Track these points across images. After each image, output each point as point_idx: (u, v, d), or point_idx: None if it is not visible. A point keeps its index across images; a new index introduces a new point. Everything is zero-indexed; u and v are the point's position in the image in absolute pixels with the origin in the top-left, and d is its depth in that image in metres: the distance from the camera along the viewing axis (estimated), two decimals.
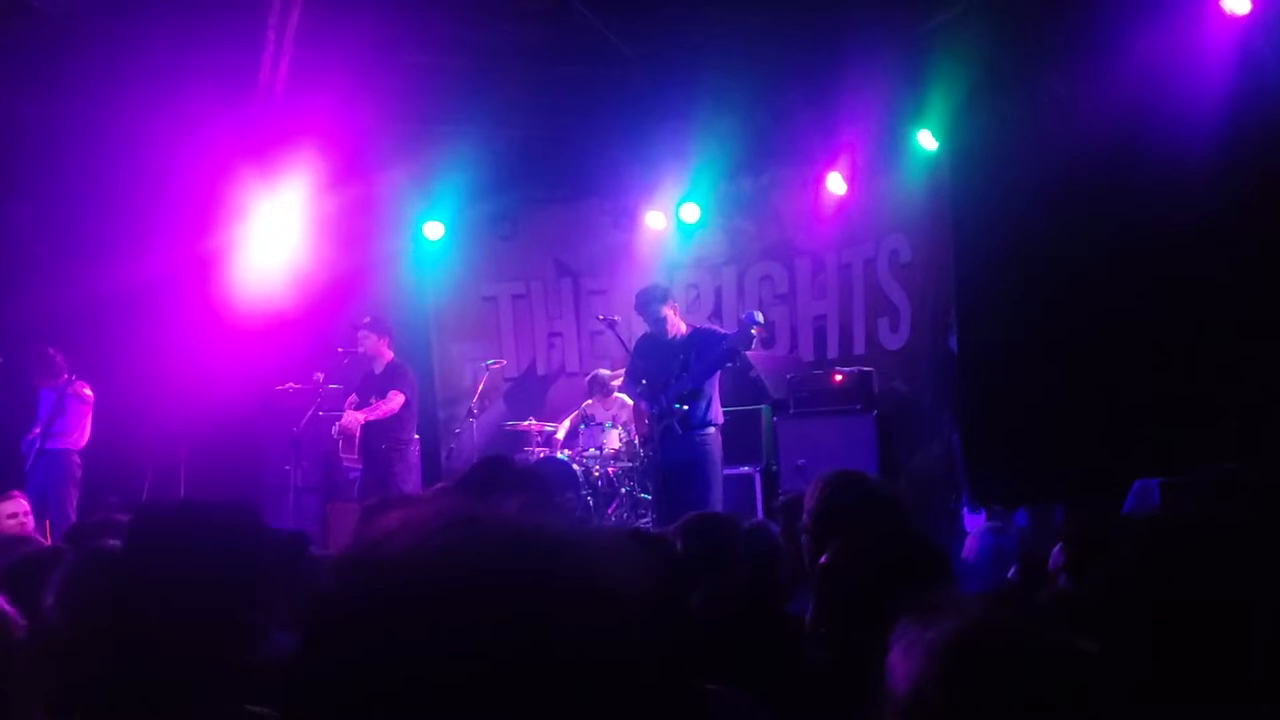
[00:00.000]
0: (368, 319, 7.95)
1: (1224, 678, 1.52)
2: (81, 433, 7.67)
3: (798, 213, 9.13)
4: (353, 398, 7.90)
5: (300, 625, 0.78)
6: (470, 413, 8.82)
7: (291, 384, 8.11)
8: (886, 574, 2.02)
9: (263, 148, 8.24)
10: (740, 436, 7.82)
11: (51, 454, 7.52)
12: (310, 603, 0.78)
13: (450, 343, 10.01)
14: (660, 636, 0.77)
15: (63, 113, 7.48)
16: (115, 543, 2.37)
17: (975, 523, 6.88)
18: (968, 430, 7.63)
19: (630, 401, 7.66)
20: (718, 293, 9.53)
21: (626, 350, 7.27)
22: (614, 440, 8.09)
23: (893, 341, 8.53)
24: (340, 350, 8.02)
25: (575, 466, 7.96)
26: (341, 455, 7.83)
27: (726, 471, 7.14)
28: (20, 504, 6.00)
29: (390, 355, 7.88)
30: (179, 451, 8.38)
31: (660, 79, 8.25)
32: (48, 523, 6.71)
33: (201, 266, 8.46)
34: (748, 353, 7.06)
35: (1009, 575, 4.34)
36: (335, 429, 7.73)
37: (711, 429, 6.75)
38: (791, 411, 8.18)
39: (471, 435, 8.80)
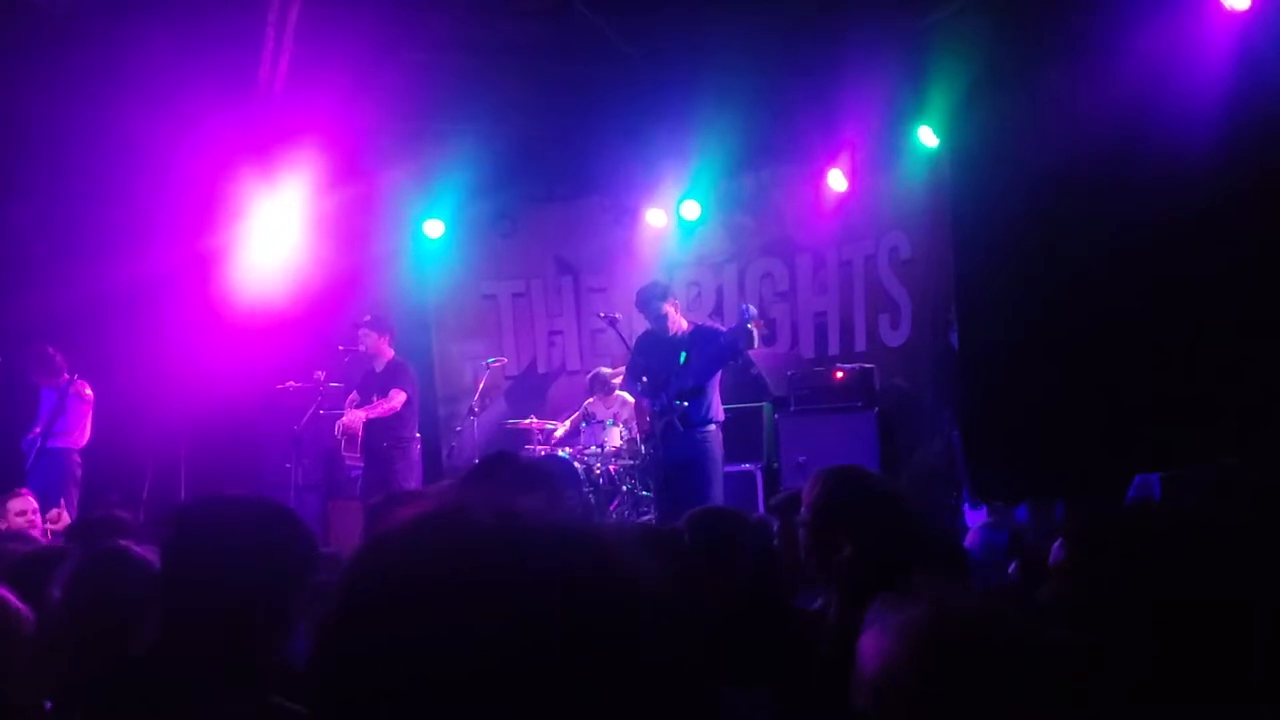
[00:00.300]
0: (368, 317, 7.95)
1: (1223, 676, 1.52)
2: (82, 432, 7.67)
3: (798, 209, 9.13)
4: (353, 396, 7.91)
5: (312, 622, 0.79)
6: (471, 411, 8.82)
7: (292, 382, 8.11)
8: (904, 567, 2.02)
9: (263, 146, 8.24)
10: (741, 434, 7.82)
11: (52, 453, 7.52)
12: (322, 600, 0.80)
13: (451, 341, 10.01)
14: (677, 631, 0.77)
15: (63, 111, 7.47)
16: (121, 541, 2.38)
17: (976, 519, 6.89)
18: (968, 427, 7.64)
19: (631, 399, 7.67)
20: (719, 290, 9.53)
21: (627, 348, 7.27)
22: (615, 438, 8.09)
23: (893, 338, 8.53)
24: (341, 348, 8.02)
25: (576, 464, 7.97)
26: (344, 453, 7.83)
27: (728, 469, 7.14)
28: (29, 502, 6.02)
29: (391, 353, 7.88)
30: (179, 450, 8.38)
31: (660, 76, 8.24)
32: (47, 523, 6.71)
33: (202, 265, 8.45)
34: (749, 350, 7.06)
35: (1009, 571, 4.35)
36: (338, 428, 7.73)
37: (712, 426, 6.75)
38: (792, 408, 8.19)
39: (472, 433, 8.80)
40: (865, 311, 8.72)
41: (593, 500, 7.84)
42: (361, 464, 7.81)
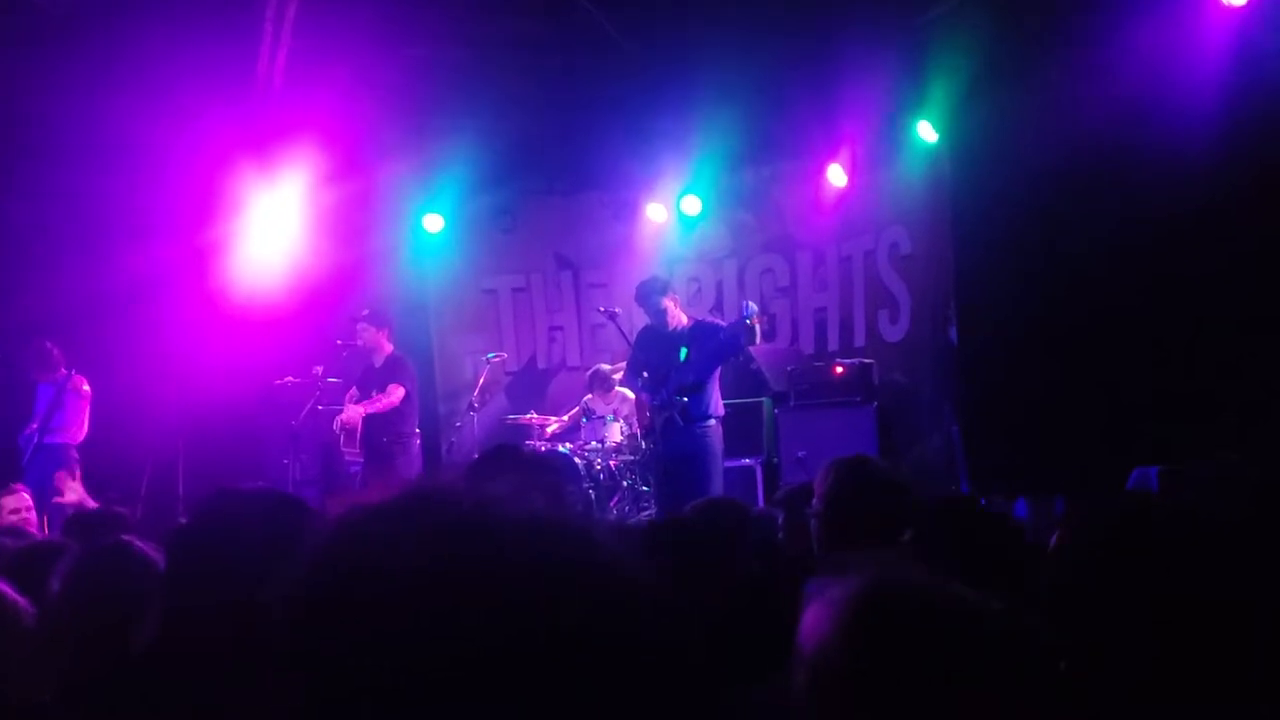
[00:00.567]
0: (366, 311, 7.93)
1: (1221, 674, 1.51)
2: (79, 427, 7.66)
3: (798, 205, 9.12)
4: (353, 391, 7.90)
5: (279, 611, 0.73)
6: (471, 406, 8.81)
7: (290, 377, 8.10)
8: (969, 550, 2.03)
9: (261, 141, 8.23)
10: (741, 429, 7.82)
11: (49, 448, 7.51)
12: (290, 585, 0.73)
13: (450, 336, 9.99)
14: (671, 622, 0.75)
15: (61, 107, 7.46)
16: (118, 536, 2.37)
17: None
18: (967, 421, 7.64)
19: (632, 395, 7.66)
20: (719, 286, 9.52)
21: (628, 343, 7.26)
22: (615, 434, 8.09)
23: (893, 333, 8.53)
24: (339, 343, 8.01)
25: (577, 460, 7.96)
26: (343, 449, 7.82)
27: (728, 464, 7.14)
28: (23, 499, 5.98)
29: (390, 348, 7.87)
30: (178, 446, 8.37)
31: (660, 71, 8.23)
32: (45, 518, 6.70)
33: (200, 260, 8.45)
34: (749, 346, 7.06)
35: None
36: (337, 423, 7.72)
37: (713, 421, 6.75)
38: (792, 403, 8.19)
39: (472, 429, 8.79)
40: (865, 307, 8.72)
41: (593, 496, 7.84)
42: (361, 459, 7.80)
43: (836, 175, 8.68)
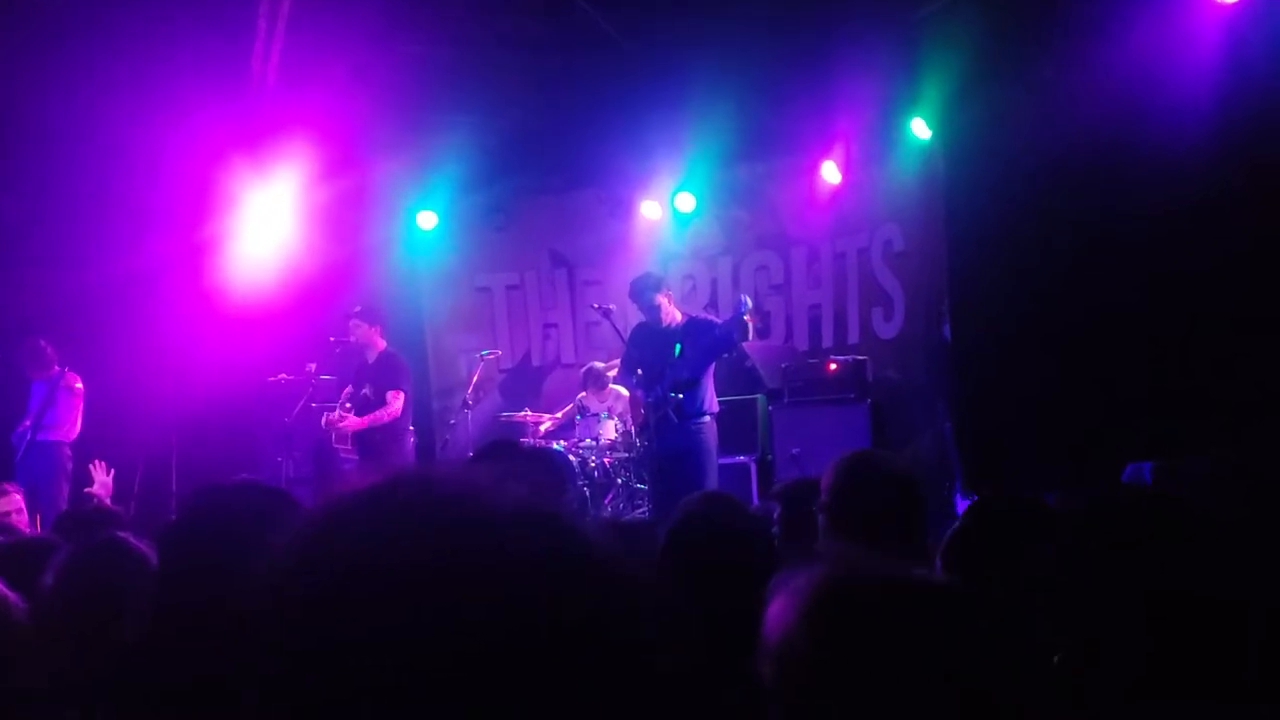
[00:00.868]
0: (359, 308, 7.91)
1: (1215, 669, 1.51)
2: (72, 425, 7.65)
3: (793, 202, 9.12)
4: (348, 389, 7.85)
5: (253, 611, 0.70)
6: (465, 404, 8.80)
7: (284, 375, 8.09)
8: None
9: (255, 137, 8.21)
10: (735, 426, 7.82)
11: (42, 446, 7.50)
12: (285, 582, 0.70)
13: (444, 333, 9.98)
14: (673, 619, 0.74)
15: (54, 103, 7.44)
16: (121, 534, 2.37)
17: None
18: (961, 418, 7.65)
19: (626, 393, 7.66)
20: (713, 284, 9.52)
21: (622, 340, 7.26)
22: (610, 431, 8.09)
23: (886, 330, 8.54)
24: (332, 340, 7.98)
25: (571, 458, 7.96)
26: (335, 445, 7.81)
27: (722, 461, 7.15)
28: (13, 500, 5.92)
29: (383, 344, 7.84)
30: (171, 443, 8.36)
31: (655, 68, 8.23)
32: (38, 516, 6.68)
33: (193, 257, 8.43)
34: (743, 342, 7.06)
35: None
36: (325, 419, 7.70)
37: (707, 418, 6.75)
38: (786, 400, 8.19)
39: (466, 426, 8.78)
40: (859, 304, 8.72)
41: (588, 494, 7.84)
42: (354, 456, 7.79)
43: (830, 172, 8.69)
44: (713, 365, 6.85)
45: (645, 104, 8.45)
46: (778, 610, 1.18)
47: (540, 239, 9.96)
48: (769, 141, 8.85)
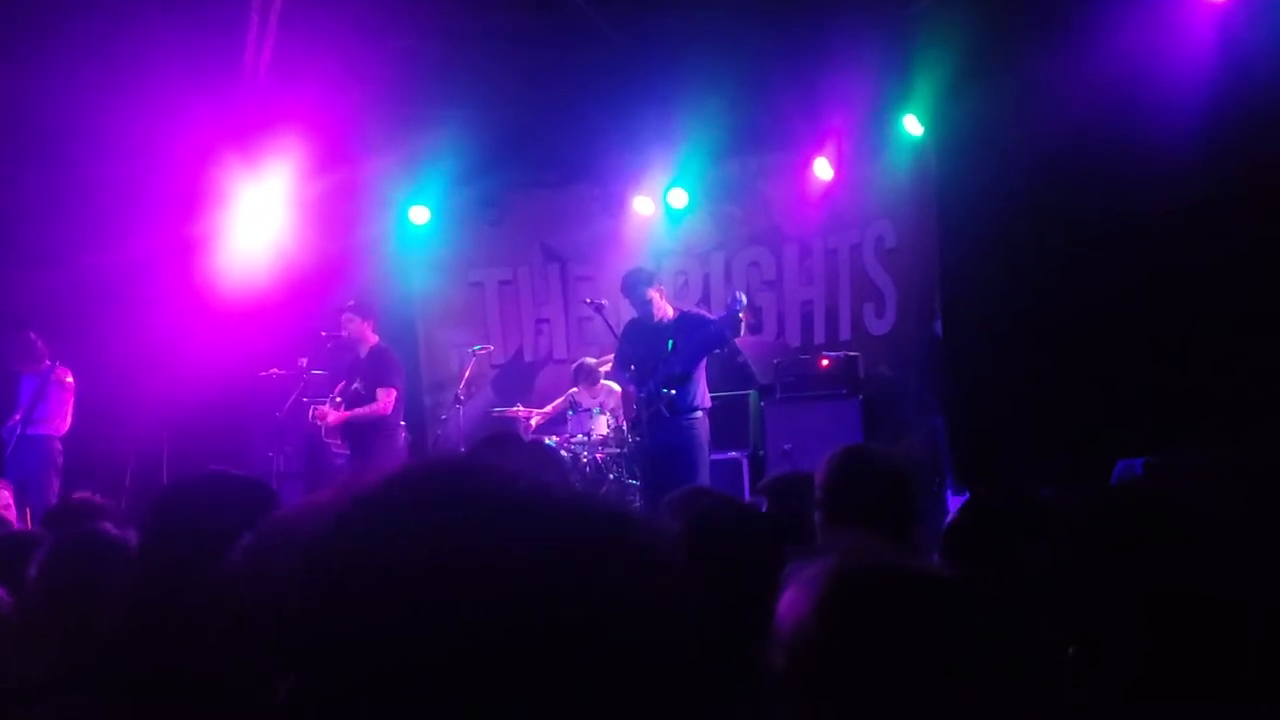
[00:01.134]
0: (351, 302, 7.89)
1: (1215, 668, 1.51)
2: (63, 419, 7.63)
3: (785, 198, 9.13)
4: (341, 385, 7.84)
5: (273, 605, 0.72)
6: (457, 399, 8.79)
7: (275, 369, 8.07)
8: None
9: (247, 132, 8.19)
10: (727, 422, 7.82)
11: (32, 440, 7.47)
12: (284, 574, 0.71)
13: (436, 328, 9.97)
14: (706, 613, 0.73)
15: (44, 97, 7.41)
16: (103, 525, 2.36)
17: (958, 505, 6.89)
18: (952, 415, 7.66)
19: (618, 388, 7.65)
20: (706, 279, 9.52)
21: (614, 334, 7.26)
22: (602, 426, 8.08)
23: (878, 327, 8.55)
24: (324, 334, 7.97)
25: (563, 453, 7.95)
26: (326, 440, 7.80)
27: (714, 456, 7.15)
28: (2, 495, 5.93)
29: (375, 339, 7.83)
30: (162, 438, 8.34)
31: (647, 63, 8.22)
32: (28, 510, 6.67)
33: (185, 252, 8.41)
34: (735, 338, 7.07)
35: None
36: (312, 414, 7.69)
37: (699, 413, 6.76)
38: (778, 396, 8.20)
39: (458, 422, 8.77)
40: (851, 300, 8.73)
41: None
42: (346, 451, 7.78)
43: (823, 168, 8.69)
44: (705, 361, 6.85)
45: (638, 99, 8.45)
46: (790, 601, 1.18)
47: (533, 234, 9.95)
48: (761, 137, 8.86)
